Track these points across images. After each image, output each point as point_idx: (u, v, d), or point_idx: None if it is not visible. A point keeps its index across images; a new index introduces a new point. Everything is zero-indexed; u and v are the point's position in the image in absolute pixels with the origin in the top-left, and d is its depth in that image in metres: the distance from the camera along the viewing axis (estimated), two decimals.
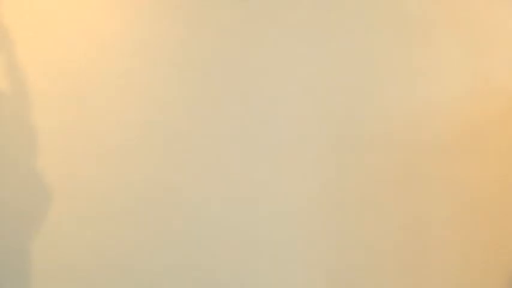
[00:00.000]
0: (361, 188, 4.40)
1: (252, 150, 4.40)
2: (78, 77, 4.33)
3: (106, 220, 4.35)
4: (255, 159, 4.39)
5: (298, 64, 4.43)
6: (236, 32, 4.51)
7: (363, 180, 4.39)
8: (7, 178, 4.25)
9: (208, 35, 4.49)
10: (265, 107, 4.40)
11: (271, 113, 4.41)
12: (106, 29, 4.45)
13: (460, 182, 4.38)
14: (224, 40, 4.51)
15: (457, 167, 4.35)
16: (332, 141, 4.37)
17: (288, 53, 4.48)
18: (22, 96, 4.29)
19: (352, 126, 4.40)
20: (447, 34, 4.50)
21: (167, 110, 4.39)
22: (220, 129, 4.41)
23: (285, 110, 4.40)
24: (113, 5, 4.51)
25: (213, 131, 4.40)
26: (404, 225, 4.40)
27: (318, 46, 4.48)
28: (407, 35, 4.48)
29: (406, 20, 4.50)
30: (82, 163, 4.30)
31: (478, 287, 4.50)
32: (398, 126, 4.40)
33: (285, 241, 4.37)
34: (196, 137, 4.41)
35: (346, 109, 4.40)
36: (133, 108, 4.37)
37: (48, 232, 4.34)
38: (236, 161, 4.40)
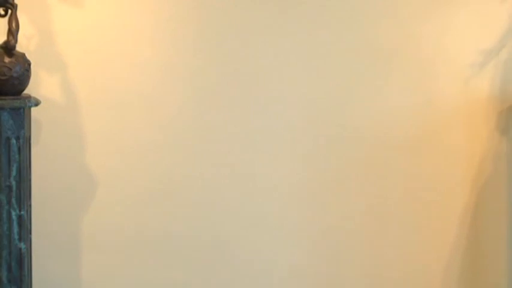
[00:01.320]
0: (336, 175, 4.82)
1: (253, 141, 4.83)
2: (117, 90, 4.67)
3: (140, 202, 4.73)
4: (256, 147, 4.83)
5: (291, 76, 4.83)
6: (238, 50, 4.79)
7: (338, 169, 4.81)
8: (63, 170, 4.62)
9: (215, 50, 4.76)
10: (264, 108, 4.83)
11: (269, 114, 4.83)
12: (138, 51, 4.71)
13: (412, 173, 4.83)
14: (228, 55, 4.77)
15: (409, 162, 4.84)
16: (315, 136, 4.82)
17: (283, 66, 4.82)
18: (73, 106, 4.60)
19: (331, 127, 4.84)
20: (404, 60, 4.84)
21: (185, 116, 4.77)
22: (227, 125, 4.78)
23: (280, 111, 4.83)
24: (146, 33, 4.71)
25: (222, 127, 4.79)
26: (368, 206, 4.82)
27: (306, 66, 4.82)
28: (375, 60, 4.83)
29: (374, 49, 4.82)
30: (120, 158, 4.68)
31: (430, 260, 4.88)
32: (366, 129, 4.81)
33: (276, 210, 4.84)
34: (209, 133, 4.78)
35: (327, 113, 4.82)
36: (159, 115, 4.74)
37: (95, 213, 4.69)
38: (240, 151, 4.81)
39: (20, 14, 4.22)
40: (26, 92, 4.27)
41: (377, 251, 4.80)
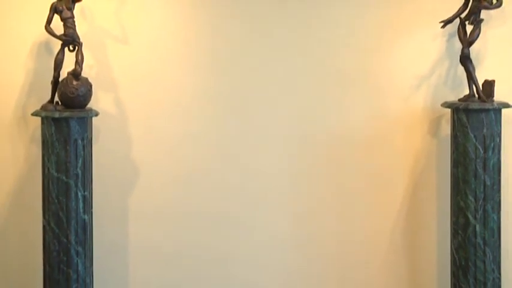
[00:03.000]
0: (312, 167, 4.82)
1: (253, 141, 4.82)
2: (154, 104, 4.70)
3: (172, 185, 4.76)
4: (255, 146, 4.83)
5: (281, 96, 4.80)
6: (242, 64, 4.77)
7: (313, 163, 4.82)
8: (115, 162, 4.69)
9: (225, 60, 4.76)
10: (261, 119, 4.82)
11: (264, 123, 4.81)
12: (169, 75, 4.71)
13: (366, 166, 4.80)
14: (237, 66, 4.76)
15: (365, 158, 4.80)
16: (297, 139, 4.82)
17: (275, 88, 4.79)
18: (122, 116, 4.69)
19: (308, 132, 4.81)
20: (361, 82, 4.77)
21: (205, 124, 4.76)
22: (235, 129, 4.79)
23: (272, 120, 4.81)
24: (176, 62, 4.72)
25: (231, 131, 4.79)
26: (335, 188, 4.82)
27: (291, 87, 4.79)
28: (340, 82, 4.77)
29: (339, 74, 4.76)
30: (156, 152, 4.72)
31: (380, 225, 4.81)
32: (333, 134, 4.79)
33: (267, 191, 4.83)
34: (222, 136, 4.78)
35: (305, 122, 4.81)
36: (186, 123, 4.74)
37: (139, 193, 4.73)
38: (243, 147, 4.81)
39: (84, 50, 4.37)
40: (88, 106, 4.42)
41: (341, 221, 4.84)
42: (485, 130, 4.39)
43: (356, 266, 4.80)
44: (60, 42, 4.33)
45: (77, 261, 4.32)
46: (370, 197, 4.81)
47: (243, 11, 4.72)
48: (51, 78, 4.36)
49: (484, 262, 4.41)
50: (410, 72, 4.72)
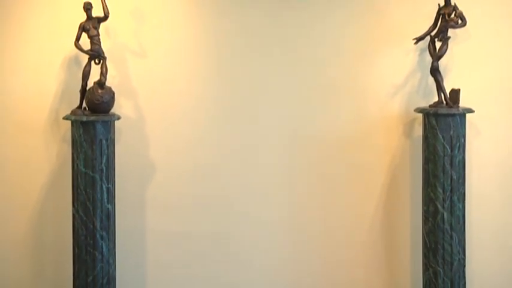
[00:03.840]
0: (303, 165, 4.77)
1: (253, 136, 4.75)
2: (168, 108, 4.66)
3: (185, 177, 4.70)
4: (254, 142, 4.76)
5: (277, 103, 4.73)
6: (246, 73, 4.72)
7: (304, 161, 4.76)
8: (134, 159, 4.64)
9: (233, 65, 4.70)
10: (259, 124, 4.75)
11: (262, 121, 4.74)
12: (181, 84, 4.67)
13: (350, 162, 4.74)
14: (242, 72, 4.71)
15: (349, 155, 4.73)
16: (290, 140, 4.75)
17: (271, 96, 4.73)
18: (140, 119, 4.65)
19: (300, 134, 4.74)
20: (346, 90, 4.71)
21: (212, 126, 4.71)
22: (237, 128, 4.73)
23: (269, 124, 4.75)
24: (187, 73, 4.67)
25: (233, 131, 4.72)
26: (323, 181, 4.76)
27: (285, 95, 4.73)
28: (327, 90, 4.71)
29: (327, 83, 4.70)
30: (171, 150, 4.67)
31: (363, 212, 4.75)
32: (321, 136, 4.73)
33: (265, 182, 4.76)
34: (227, 136, 4.73)
35: (298, 126, 4.75)
36: (195, 125, 4.70)
37: (155, 185, 4.68)
38: (244, 145, 4.74)
39: (108, 63, 4.39)
40: (111, 111, 4.43)
41: (327, 208, 4.80)
42: (452, 132, 4.40)
43: (339, 247, 4.78)
44: (87, 56, 4.35)
45: (102, 244, 4.34)
46: (353, 188, 4.78)
47: (245, 29, 4.68)
48: (79, 87, 4.38)
49: (451, 245, 4.42)
50: (388, 82, 4.71)
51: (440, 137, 4.41)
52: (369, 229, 4.78)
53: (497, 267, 4.78)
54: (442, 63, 4.52)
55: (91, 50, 4.33)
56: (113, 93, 4.39)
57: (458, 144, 4.42)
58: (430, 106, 4.54)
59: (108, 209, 4.37)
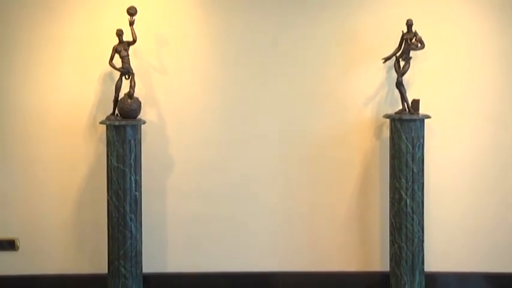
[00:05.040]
0: (293, 159, 4.68)
1: (252, 137, 4.66)
2: (184, 114, 4.60)
3: (199, 170, 4.64)
4: (253, 142, 4.67)
5: (273, 108, 4.65)
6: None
7: (294, 155, 4.67)
8: (157, 155, 4.59)
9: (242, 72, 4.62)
10: (258, 123, 4.66)
11: (259, 125, 4.66)
12: (195, 95, 4.59)
13: (332, 157, 4.64)
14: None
15: (331, 152, 4.65)
16: (283, 137, 4.67)
17: (267, 102, 4.65)
18: (162, 123, 4.60)
19: (290, 133, 4.66)
20: (329, 99, 4.61)
21: (219, 127, 4.64)
22: (238, 131, 4.66)
23: (266, 123, 4.65)
24: (200, 85, 4.61)
25: (236, 132, 4.65)
26: (309, 171, 4.68)
27: (280, 101, 4.64)
28: (313, 98, 4.62)
29: (313, 92, 4.62)
30: (187, 148, 4.60)
31: (342, 196, 4.67)
32: (307, 135, 4.64)
33: (263, 172, 4.67)
34: (234, 133, 4.65)
35: (289, 127, 4.66)
36: (208, 123, 4.63)
37: (175, 176, 4.63)
38: (245, 143, 4.65)
39: (136, 78, 4.38)
40: (138, 117, 4.40)
41: (312, 194, 4.72)
42: (413, 133, 4.38)
43: (322, 224, 4.73)
44: (119, 72, 4.34)
45: (130, 224, 4.31)
46: (334, 178, 4.73)
47: (245, 55, 4.64)
48: (113, 98, 4.37)
49: (412, 225, 4.42)
50: (362, 93, 4.66)
51: (404, 137, 4.39)
52: (346, 211, 4.74)
53: (450, 242, 4.75)
54: (405, 78, 4.50)
55: (122, 67, 4.32)
56: (140, 103, 4.38)
57: (418, 143, 4.40)
58: (395, 113, 4.52)
59: (135, 196, 4.34)
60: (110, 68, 4.37)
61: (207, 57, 4.63)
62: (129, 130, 4.29)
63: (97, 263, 4.60)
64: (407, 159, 4.38)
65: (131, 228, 4.31)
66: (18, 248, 4.59)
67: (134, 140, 4.30)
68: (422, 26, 4.44)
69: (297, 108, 4.68)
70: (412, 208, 4.40)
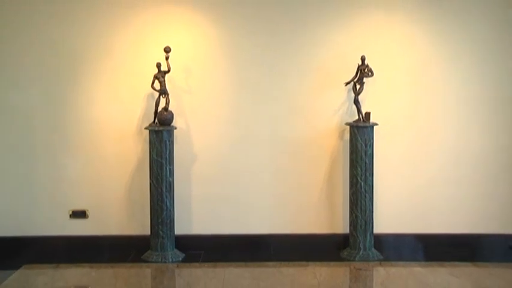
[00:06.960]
0: (280, 153, 4.78)
1: (251, 138, 4.74)
2: (207, 122, 4.67)
3: (218, 161, 4.75)
4: (253, 142, 4.74)
5: (264, 112, 4.73)
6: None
7: (281, 151, 4.79)
8: (185, 152, 4.69)
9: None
10: (255, 127, 4.73)
11: (257, 129, 4.74)
12: (213, 107, 4.72)
13: (308, 154, 4.79)
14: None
15: (307, 151, 4.75)
16: (273, 138, 4.77)
17: (261, 107, 4.72)
18: (188, 129, 4.73)
19: (278, 135, 4.74)
20: (305, 110, 4.67)
21: (227, 129, 4.73)
22: (240, 133, 4.76)
23: (259, 125, 4.74)
24: (215, 99, 4.72)
25: (238, 133, 4.75)
26: (293, 164, 4.80)
27: (270, 107, 4.71)
28: (293, 108, 4.70)
29: (293, 105, 4.70)
30: (206, 145, 4.71)
31: (314, 184, 4.76)
32: (292, 137, 4.77)
33: (260, 162, 4.77)
34: (236, 134, 4.74)
35: (278, 128, 4.73)
36: (221, 129, 4.72)
37: (198, 166, 4.73)
38: (246, 142, 4.76)
39: (170, 97, 4.54)
40: (172, 124, 4.56)
41: (295, 178, 4.79)
42: (366, 136, 4.57)
43: (303, 198, 4.85)
44: (157, 93, 4.53)
45: (166, 200, 4.47)
46: (310, 168, 4.84)
47: (247, 81, 4.70)
48: (153, 110, 4.57)
49: (365, 201, 4.61)
50: (330, 107, 4.79)
51: (359, 139, 4.57)
52: (319, 191, 4.86)
53: (391, 213, 4.85)
54: (360, 97, 4.65)
55: (160, 89, 4.49)
56: (173, 114, 4.55)
57: (369, 143, 4.58)
58: (353, 122, 4.67)
59: (170, 180, 4.50)
60: (151, 90, 4.58)
61: (220, 82, 4.78)
62: (165, 134, 4.44)
63: (143, 227, 4.74)
64: (361, 154, 4.57)
65: (167, 203, 4.48)
66: (88, 216, 4.75)
67: (169, 141, 4.47)
68: (370, 58, 4.60)
69: (282, 118, 4.80)
70: (365, 189, 4.60)
